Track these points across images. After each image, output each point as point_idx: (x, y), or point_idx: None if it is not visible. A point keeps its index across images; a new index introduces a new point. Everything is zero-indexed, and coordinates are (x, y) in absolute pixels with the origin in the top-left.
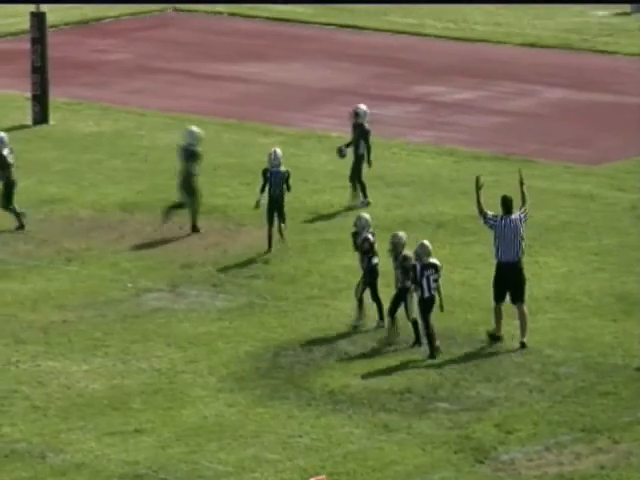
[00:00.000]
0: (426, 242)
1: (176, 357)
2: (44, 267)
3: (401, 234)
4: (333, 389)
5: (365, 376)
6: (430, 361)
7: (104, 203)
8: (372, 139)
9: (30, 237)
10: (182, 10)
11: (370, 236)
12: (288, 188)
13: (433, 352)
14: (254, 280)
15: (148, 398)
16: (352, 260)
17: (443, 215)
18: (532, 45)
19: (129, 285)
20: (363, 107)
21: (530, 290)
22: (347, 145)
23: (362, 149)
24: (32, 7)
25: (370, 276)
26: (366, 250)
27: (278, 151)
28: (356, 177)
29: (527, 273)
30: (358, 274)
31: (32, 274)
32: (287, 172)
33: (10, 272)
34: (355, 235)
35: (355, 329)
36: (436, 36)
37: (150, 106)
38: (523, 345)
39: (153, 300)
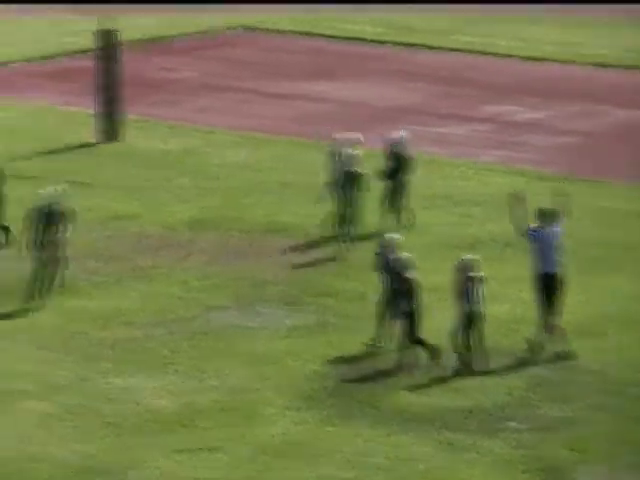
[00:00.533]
0: (469, 256)
1: (245, 375)
2: (113, 284)
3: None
4: (401, 408)
5: (433, 395)
6: (498, 380)
7: (172, 221)
8: (438, 158)
9: (99, 254)
10: (250, 28)
11: (401, 256)
12: (360, 189)
13: (468, 366)
14: (323, 298)
15: (217, 416)
16: (424, 279)
17: (512, 234)
18: (600, 65)
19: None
20: (401, 134)
21: (596, 310)
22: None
23: (403, 176)
24: (100, 25)
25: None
26: (398, 270)
27: (348, 151)
28: (398, 202)
29: (591, 293)
30: (428, 292)
31: (101, 291)
32: (356, 173)
33: (79, 289)
34: (379, 255)
35: (378, 349)
36: (504, 55)
37: (218, 124)
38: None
39: (221, 318)
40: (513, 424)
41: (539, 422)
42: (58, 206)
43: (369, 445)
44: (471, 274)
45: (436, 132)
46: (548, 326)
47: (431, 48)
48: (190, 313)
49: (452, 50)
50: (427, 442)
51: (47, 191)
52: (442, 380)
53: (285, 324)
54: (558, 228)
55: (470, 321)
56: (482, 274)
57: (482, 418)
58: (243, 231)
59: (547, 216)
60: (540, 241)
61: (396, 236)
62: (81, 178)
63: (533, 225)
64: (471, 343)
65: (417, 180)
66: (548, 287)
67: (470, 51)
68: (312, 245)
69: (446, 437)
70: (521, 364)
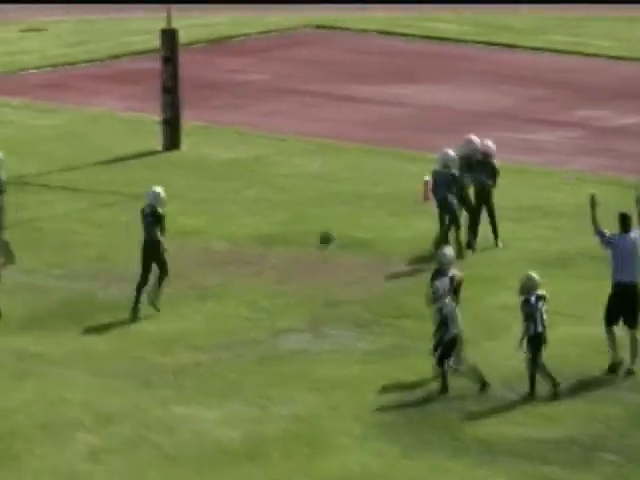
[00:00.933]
0: (533, 274)
1: (317, 402)
2: (175, 304)
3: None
4: (487, 438)
5: (522, 425)
6: (593, 409)
7: (240, 235)
8: (526, 166)
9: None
10: (322, 27)
11: (457, 273)
12: (453, 192)
13: (556, 391)
14: (401, 320)
15: (287, 446)
16: (509, 298)
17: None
18: None
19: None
20: (486, 141)
21: None
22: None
23: (489, 183)
24: (162, 24)
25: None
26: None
27: (448, 152)
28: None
29: None
30: (507, 311)
31: (163, 311)
32: (452, 175)
33: (139, 309)
34: (438, 272)
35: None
36: (599, 55)
37: (288, 130)
38: (630, 372)
39: (292, 341)
40: (611, 456)
41: (636, 453)
42: (155, 209)
43: (447, 478)
44: (535, 293)
45: (523, 138)
46: (631, 337)
47: (518, 48)
48: (259, 335)
49: (543, 50)
50: (509, 474)
51: (149, 192)
52: (533, 409)
53: (359, 347)
54: (637, 235)
55: (534, 344)
56: (544, 293)
57: (571, 449)
58: (316, 246)
59: (628, 222)
60: (619, 248)
61: (450, 251)
62: (140, 189)
63: (609, 232)
64: (536, 368)
65: (503, 190)
66: (624, 296)
67: (561, 51)
68: (392, 262)
69: (540, 470)
70: (618, 393)
